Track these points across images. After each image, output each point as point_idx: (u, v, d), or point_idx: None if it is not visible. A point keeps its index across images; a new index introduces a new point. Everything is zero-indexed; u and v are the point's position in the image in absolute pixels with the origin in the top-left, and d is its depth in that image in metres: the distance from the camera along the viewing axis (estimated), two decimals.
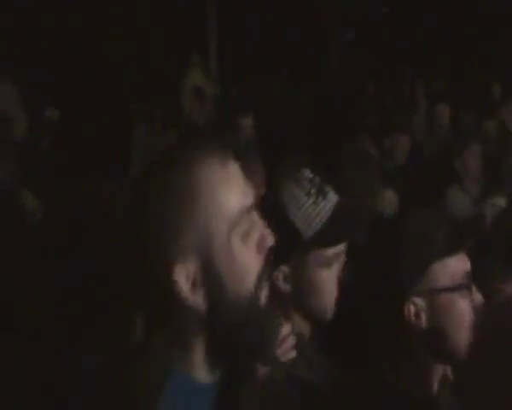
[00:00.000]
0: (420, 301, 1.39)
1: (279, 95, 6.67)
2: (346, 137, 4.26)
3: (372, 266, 1.50)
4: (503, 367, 1.01)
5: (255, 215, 1.12)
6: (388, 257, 1.44)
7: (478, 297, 1.42)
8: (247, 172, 1.32)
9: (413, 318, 1.38)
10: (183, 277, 1.04)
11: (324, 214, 1.59)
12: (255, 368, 1.29)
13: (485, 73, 7.27)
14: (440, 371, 1.44)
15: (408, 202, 3.03)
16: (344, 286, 1.63)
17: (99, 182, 2.86)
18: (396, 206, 3.01)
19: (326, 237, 1.59)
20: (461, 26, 8.98)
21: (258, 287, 1.08)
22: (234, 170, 1.12)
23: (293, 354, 1.45)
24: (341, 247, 1.61)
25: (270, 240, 1.11)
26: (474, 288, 1.43)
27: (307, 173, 1.64)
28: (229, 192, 1.09)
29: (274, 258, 1.32)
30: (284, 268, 1.58)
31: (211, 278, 1.06)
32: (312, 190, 1.61)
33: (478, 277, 1.48)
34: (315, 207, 1.60)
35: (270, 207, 1.50)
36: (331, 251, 1.59)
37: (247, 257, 1.08)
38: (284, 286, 1.59)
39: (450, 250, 1.42)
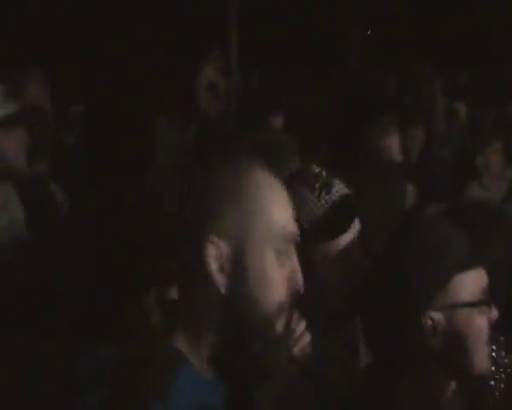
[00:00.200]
0: (437, 316, 1.35)
1: (301, 93, 6.68)
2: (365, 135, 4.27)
3: (386, 278, 1.43)
4: None
5: (293, 248, 1.15)
6: (404, 269, 1.38)
7: (495, 313, 1.38)
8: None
9: (429, 333, 1.34)
10: (214, 255, 1.08)
11: (326, 208, 1.60)
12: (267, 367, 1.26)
13: (506, 70, 7.26)
14: (451, 387, 1.40)
15: (425, 200, 3.04)
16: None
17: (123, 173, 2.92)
18: (413, 200, 3.02)
19: (325, 230, 1.59)
20: (480, 24, 8.95)
21: (278, 312, 1.10)
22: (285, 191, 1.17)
23: (308, 350, 1.44)
24: (348, 239, 1.61)
25: (299, 282, 1.13)
26: (491, 303, 1.39)
27: (313, 169, 1.66)
28: (280, 205, 1.14)
29: None
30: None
31: (238, 269, 1.09)
32: (317, 185, 1.62)
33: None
34: (317, 201, 1.61)
35: None
36: (338, 244, 1.60)
37: (275, 272, 1.11)
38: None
39: (471, 264, 1.38)
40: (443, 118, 5.10)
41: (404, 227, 1.52)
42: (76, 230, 2.46)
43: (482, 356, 1.36)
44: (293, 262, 1.13)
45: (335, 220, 1.59)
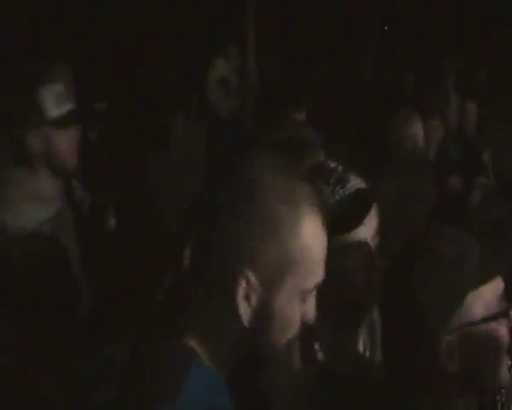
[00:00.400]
0: (452, 338, 1.26)
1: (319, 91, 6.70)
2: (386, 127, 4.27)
3: (398, 290, 1.36)
4: None
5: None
6: (414, 288, 1.29)
7: None
8: None
9: (444, 356, 1.27)
10: (244, 287, 1.09)
11: (341, 202, 1.61)
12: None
13: None
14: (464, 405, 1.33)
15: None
16: None
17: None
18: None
19: (341, 223, 1.58)
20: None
21: (290, 344, 1.13)
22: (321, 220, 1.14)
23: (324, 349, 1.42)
24: (365, 234, 1.61)
25: (312, 315, 1.15)
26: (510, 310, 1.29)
27: (329, 163, 1.69)
28: (320, 245, 1.14)
29: None
30: None
31: (264, 306, 1.09)
32: (332, 180, 1.63)
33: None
34: (331, 195, 1.61)
35: None
36: (351, 238, 1.60)
37: (297, 313, 1.12)
38: None
39: (487, 278, 1.28)
40: (455, 115, 5.11)
41: (417, 238, 1.44)
42: (95, 228, 2.54)
43: (503, 369, 1.28)
44: (313, 298, 1.15)
45: (349, 214, 1.60)
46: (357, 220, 1.61)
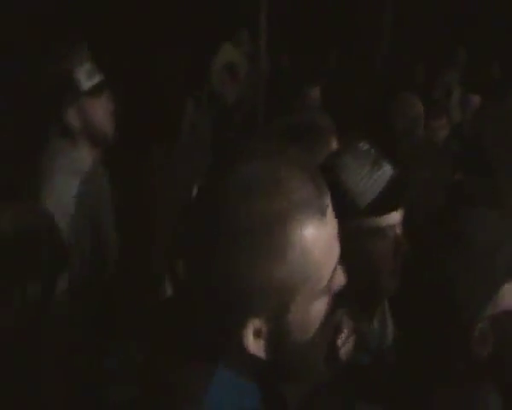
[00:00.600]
0: (486, 325, 1.25)
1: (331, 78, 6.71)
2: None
3: (426, 276, 1.33)
4: None
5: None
6: (447, 275, 1.26)
7: None
8: None
9: (477, 343, 1.25)
10: (250, 330, 1.00)
11: (379, 184, 1.58)
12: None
13: None
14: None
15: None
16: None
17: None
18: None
19: (380, 205, 1.56)
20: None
21: (321, 333, 1.03)
22: (329, 222, 1.01)
23: (352, 352, 1.40)
24: (396, 218, 1.60)
25: (342, 281, 1.06)
26: None
27: (363, 145, 1.65)
28: (324, 256, 1.00)
29: None
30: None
31: (278, 333, 1.01)
32: (367, 161, 1.60)
33: None
34: (369, 177, 1.59)
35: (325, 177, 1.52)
36: (385, 221, 1.58)
37: (319, 310, 1.03)
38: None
39: None
40: (458, 109, 5.13)
41: (444, 225, 1.39)
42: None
43: None
44: (338, 274, 1.05)
45: (387, 197, 1.57)
46: (394, 204, 1.59)
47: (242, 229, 0.95)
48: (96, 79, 2.50)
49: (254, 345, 1.00)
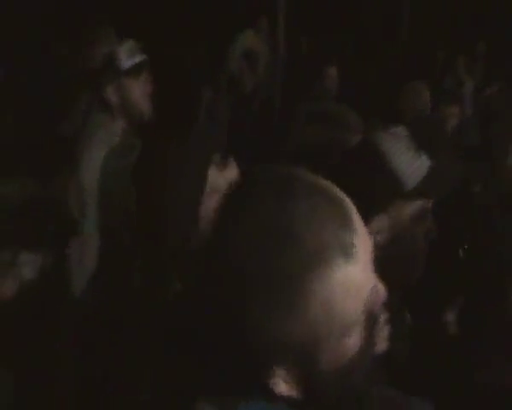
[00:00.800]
0: None
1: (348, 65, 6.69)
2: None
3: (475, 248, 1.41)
4: None
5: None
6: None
7: None
8: None
9: None
10: (281, 377, 0.92)
11: (422, 169, 1.57)
12: None
13: None
14: None
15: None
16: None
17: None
18: None
19: (426, 188, 1.55)
20: None
21: (361, 355, 0.95)
22: (358, 257, 0.91)
23: (387, 345, 1.34)
24: (430, 203, 1.60)
25: (382, 297, 0.97)
26: None
27: (402, 130, 1.64)
28: (352, 299, 0.91)
29: (370, 207, 1.37)
30: (380, 218, 1.54)
31: (308, 374, 0.93)
32: (411, 145, 1.60)
33: None
34: (415, 159, 1.58)
35: (369, 156, 1.53)
36: (424, 205, 1.57)
37: (353, 343, 0.94)
38: (377, 239, 1.45)
39: None
40: (470, 102, 5.13)
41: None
42: None
43: None
44: (379, 293, 0.97)
45: (431, 181, 1.57)
46: (437, 190, 1.59)
47: (256, 281, 0.88)
48: (137, 59, 2.57)
49: (283, 387, 0.93)
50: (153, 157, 1.74)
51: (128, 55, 2.58)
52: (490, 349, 1.30)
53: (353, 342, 0.93)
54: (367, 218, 1.35)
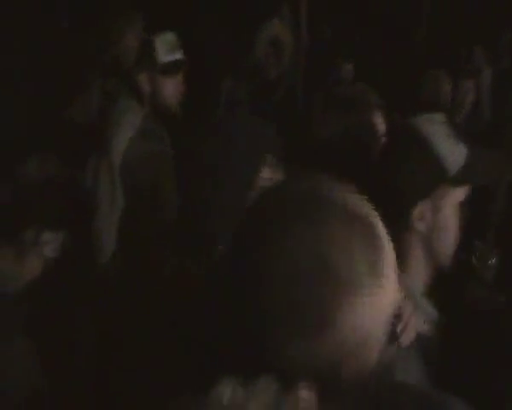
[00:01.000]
0: None
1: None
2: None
3: None
4: None
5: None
6: None
7: None
8: None
9: None
10: (303, 392, 0.92)
11: (464, 154, 1.58)
12: None
13: None
14: None
15: None
16: None
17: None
18: None
19: (466, 176, 1.57)
20: None
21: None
22: (383, 283, 0.92)
23: (414, 335, 1.39)
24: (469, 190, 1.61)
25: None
26: None
27: (442, 116, 1.66)
28: (378, 323, 0.93)
29: (413, 193, 1.43)
30: (423, 205, 1.56)
31: (331, 384, 0.93)
32: (451, 132, 1.61)
33: None
34: (457, 146, 1.59)
35: (411, 141, 1.55)
36: (464, 192, 1.59)
37: (377, 352, 0.95)
38: (420, 225, 1.57)
39: None
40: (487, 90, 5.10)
41: None
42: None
43: None
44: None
45: (471, 168, 1.58)
46: (477, 178, 1.60)
47: (283, 306, 0.87)
48: (175, 56, 2.63)
49: (305, 401, 0.92)
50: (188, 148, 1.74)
51: (167, 50, 2.60)
52: None
53: (375, 354, 0.94)
54: (410, 205, 1.41)
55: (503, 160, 1.93)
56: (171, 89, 2.69)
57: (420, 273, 1.59)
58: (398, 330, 1.35)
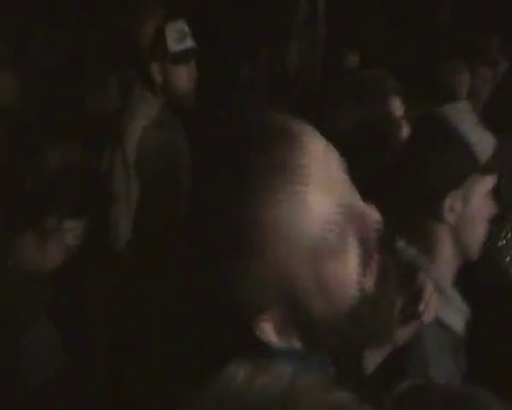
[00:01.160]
0: None
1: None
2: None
3: None
4: None
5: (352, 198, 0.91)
6: None
7: None
8: None
9: None
10: (270, 327, 0.91)
11: (490, 145, 1.54)
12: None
13: None
14: None
15: None
16: None
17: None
18: None
19: (494, 165, 1.53)
20: None
21: (360, 284, 0.91)
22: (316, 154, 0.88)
23: (434, 313, 1.34)
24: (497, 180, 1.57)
25: (376, 220, 0.91)
26: None
27: (468, 104, 1.62)
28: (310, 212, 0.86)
29: (443, 184, 1.41)
30: (453, 195, 1.52)
31: (301, 315, 0.91)
32: (478, 120, 1.57)
33: None
34: (485, 134, 1.55)
35: (440, 130, 1.51)
36: (493, 181, 1.55)
37: (346, 266, 0.90)
38: (449, 217, 1.53)
39: None
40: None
41: None
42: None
43: None
44: (360, 210, 0.92)
45: (500, 157, 1.55)
46: (506, 167, 1.60)
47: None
48: (186, 45, 2.58)
49: (272, 335, 0.92)
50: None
51: (177, 38, 2.58)
52: None
53: (338, 270, 0.88)
54: (439, 196, 1.42)
55: None
56: (184, 78, 2.66)
57: (449, 265, 1.56)
58: (420, 308, 1.31)
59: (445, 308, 1.53)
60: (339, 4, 7.86)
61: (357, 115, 1.87)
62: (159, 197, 2.55)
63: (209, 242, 0.87)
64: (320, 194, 0.87)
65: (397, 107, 1.95)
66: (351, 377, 1.06)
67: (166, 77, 2.64)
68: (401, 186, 1.56)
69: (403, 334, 1.33)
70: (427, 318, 1.33)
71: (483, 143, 1.52)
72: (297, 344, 0.92)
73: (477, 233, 1.56)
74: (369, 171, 1.25)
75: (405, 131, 1.83)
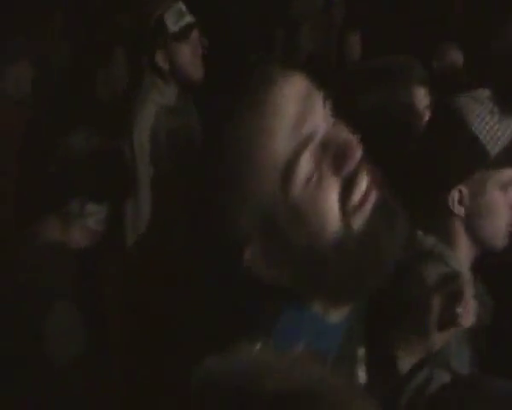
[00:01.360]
0: None
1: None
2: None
3: None
4: None
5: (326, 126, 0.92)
6: None
7: None
8: None
9: None
10: (257, 257, 0.91)
11: (508, 134, 1.49)
12: None
13: None
14: None
15: None
16: None
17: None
18: None
19: (510, 157, 1.49)
20: None
21: (346, 215, 0.89)
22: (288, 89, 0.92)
23: (473, 317, 1.29)
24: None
25: (356, 150, 0.91)
26: None
27: (486, 92, 1.56)
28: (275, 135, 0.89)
29: (450, 177, 1.39)
30: (462, 188, 1.49)
31: (280, 243, 0.90)
32: (495, 109, 1.51)
33: None
34: (500, 124, 1.49)
35: (448, 122, 1.49)
36: (509, 174, 1.50)
37: (324, 198, 0.89)
38: (458, 209, 1.51)
39: None
40: None
41: None
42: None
43: None
44: (338, 137, 0.92)
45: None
46: None
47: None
48: (185, 21, 2.59)
49: (268, 269, 0.92)
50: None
51: (175, 19, 2.60)
52: None
53: (314, 200, 0.89)
54: (448, 189, 1.40)
55: None
56: (187, 54, 2.67)
57: (467, 257, 1.54)
58: (459, 311, 1.26)
59: None
60: None
61: (379, 102, 1.84)
62: (172, 184, 2.55)
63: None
64: (290, 127, 0.90)
65: (421, 97, 1.90)
66: (385, 380, 1.06)
67: (171, 59, 2.65)
68: (416, 175, 1.55)
69: (440, 338, 1.31)
70: (466, 322, 1.29)
71: (496, 135, 1.48)
72: (290, 282, 0.91)
73: (496, 225, 1.53)
74: (388, 157, 1.21)
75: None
